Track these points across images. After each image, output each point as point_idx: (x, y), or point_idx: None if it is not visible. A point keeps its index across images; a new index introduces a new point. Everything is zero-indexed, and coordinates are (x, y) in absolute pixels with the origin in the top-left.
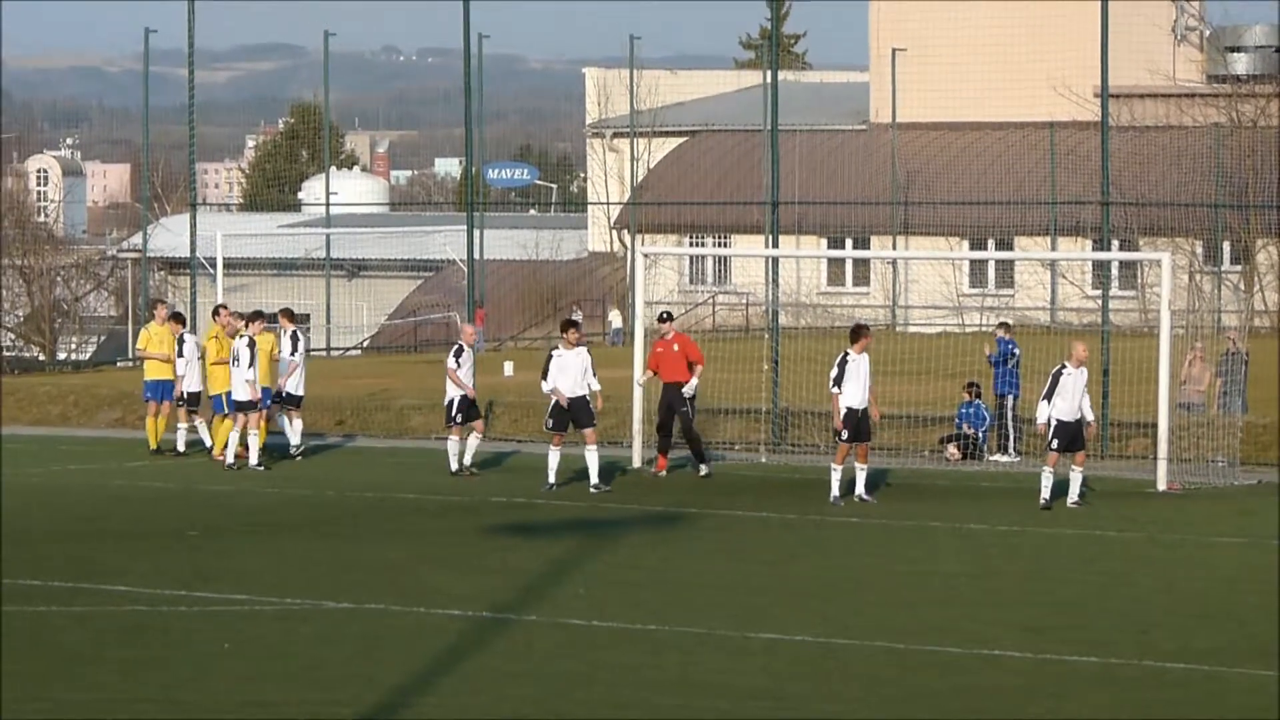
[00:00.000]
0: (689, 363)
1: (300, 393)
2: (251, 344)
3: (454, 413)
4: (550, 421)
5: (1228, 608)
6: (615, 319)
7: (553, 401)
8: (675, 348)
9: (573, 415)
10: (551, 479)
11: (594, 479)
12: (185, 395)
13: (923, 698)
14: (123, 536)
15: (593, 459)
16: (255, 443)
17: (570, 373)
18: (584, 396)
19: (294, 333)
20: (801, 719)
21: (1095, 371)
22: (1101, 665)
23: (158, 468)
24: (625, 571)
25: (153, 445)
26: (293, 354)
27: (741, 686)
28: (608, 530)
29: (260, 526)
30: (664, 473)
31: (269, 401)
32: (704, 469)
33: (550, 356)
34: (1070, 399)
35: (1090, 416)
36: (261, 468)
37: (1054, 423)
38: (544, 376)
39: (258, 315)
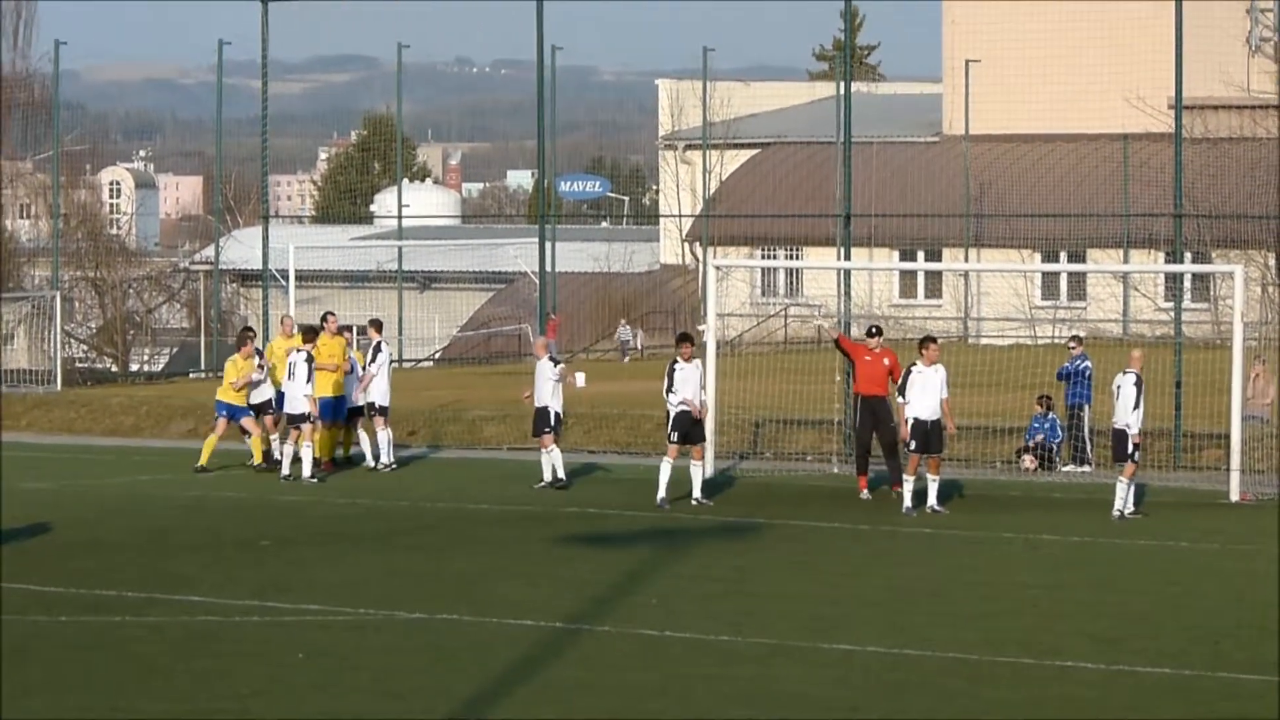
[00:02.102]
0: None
1: (386, 403)
2: (309, 359)
3: (553, 423)
4: (675, 434)
5: None
6: (624, 332)
7: (674, 414)
8: (885, 362)
9: (689, 428)
10: (663, 493)
11: (697, 492)
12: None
13: (995, 709)
14: (196, 547)
15: (697, 473)
16: (308, 455)
17: (691, 386)
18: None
19: (378, 344)
20: None
21: (1168, 383)
22: (1174, 677)
23: (230, 478)
24: (698, 582)
25: (202, 461)
26: (372, 363)
27: (815, 697)
28: (680, 541)
29: (333, 537)
30: (866, 493)
31: (340, 415)
32: (899, 492)
33: (673, 369)
34: (1118, 404)
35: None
36: (315, 480)
37: (1135, 433)
38: (669, 389)
39: (313, 331)
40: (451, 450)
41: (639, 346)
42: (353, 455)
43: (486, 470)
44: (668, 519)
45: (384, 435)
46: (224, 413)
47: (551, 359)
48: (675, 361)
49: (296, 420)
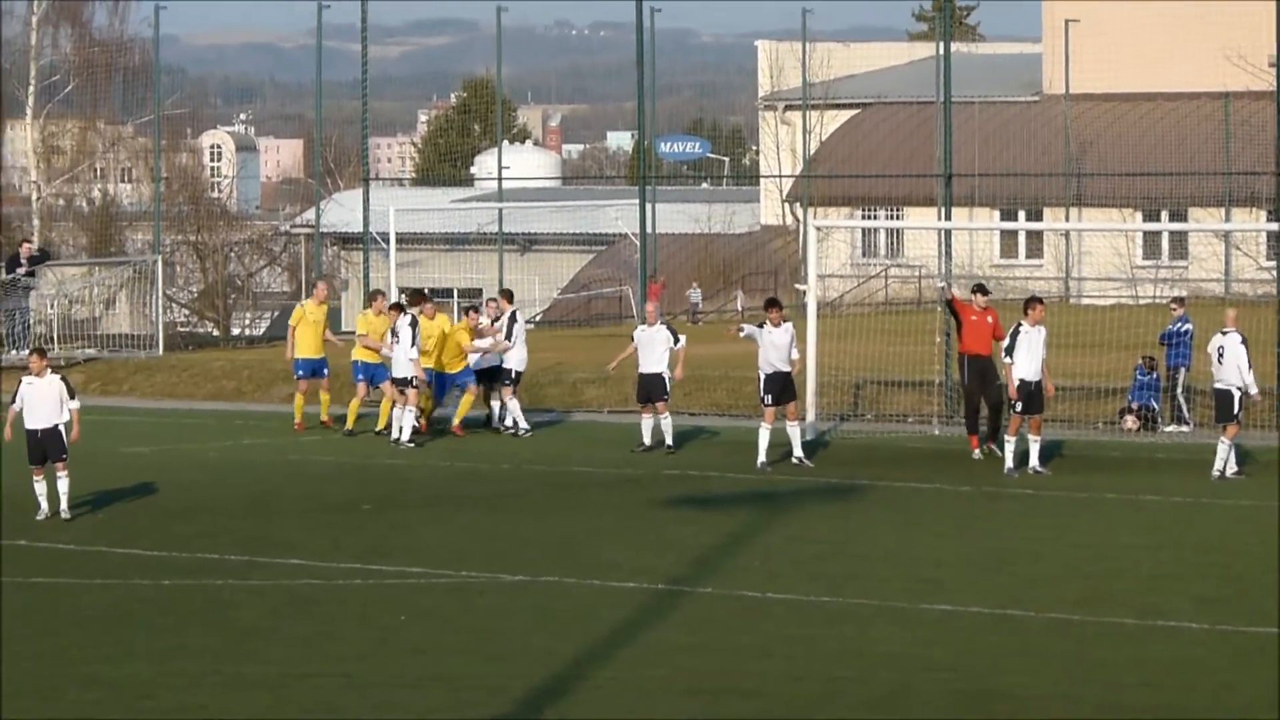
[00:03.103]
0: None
1: (523, 369)
2: (414, 322)
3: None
4: (768, 397)
5: None
6: (694, 294)
7: (763, 376)
8: (989, 320)
9: (779, 390)
10: (763, 456)
11: (797, 452)
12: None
13: (1097, 669)
14: (297, 511)
15: (795, 433)
16: (410, 419)
17: (780, 349)
18: (788, 373)
19: (513, 313)
20: (977, 691)
21: (1270, 342)
22: (1277, 636)
23: (332, 442)
24: (800, 544)
25: (350, 425)
26: (508, 336)
27: (916, 658)
28: (781, 503)
29: (435, 500)
30: (978, 452)
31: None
32: (998, 451)
33: (763, 327)
34: (1221, 365)
35: (1253, 389)
36: (413, 444)
37: (1239, 393)
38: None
39: (420, 295)
40: (553, 413)
41: (741, 307)
42: (434, 418)
43: (587, 433)
44: (768, 481)
45: (514, 403)
46: (362, 375)
47: (666, 326)
48: (763, 325)
49: (401, 384)
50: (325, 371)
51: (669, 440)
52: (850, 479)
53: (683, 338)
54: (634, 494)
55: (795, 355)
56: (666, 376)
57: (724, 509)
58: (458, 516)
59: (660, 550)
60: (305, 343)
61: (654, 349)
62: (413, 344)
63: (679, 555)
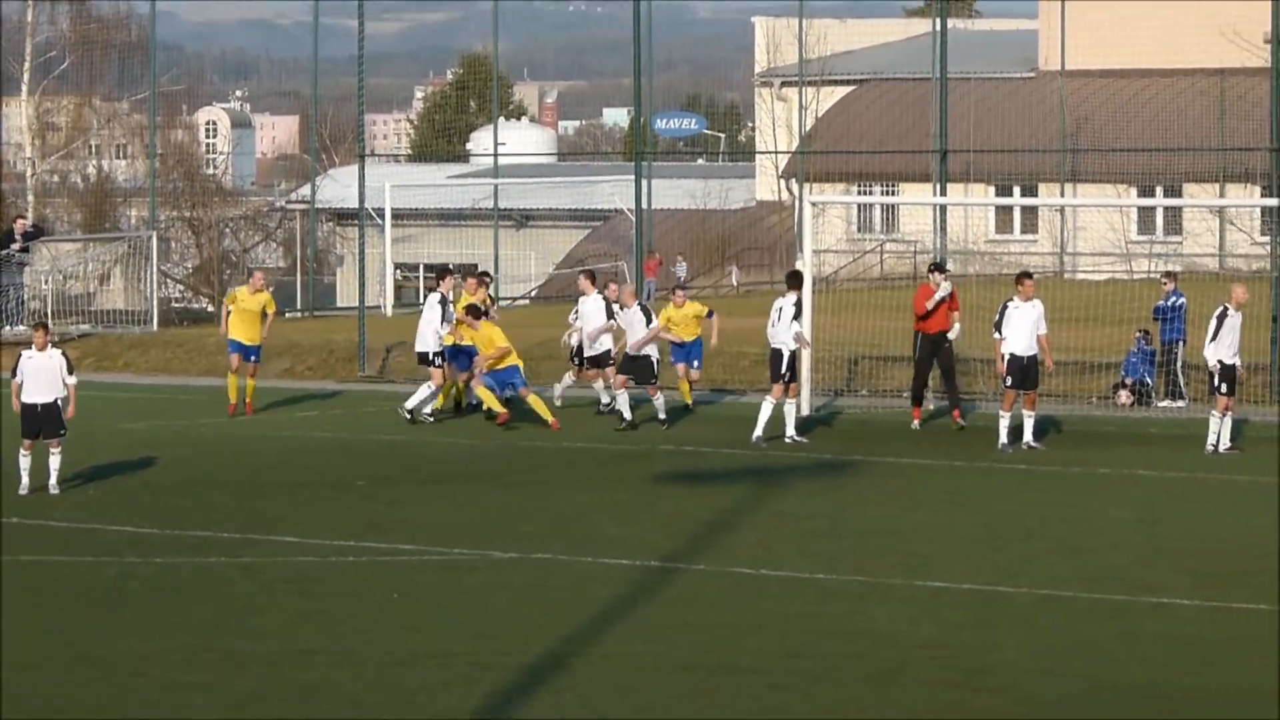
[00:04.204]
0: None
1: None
2: (443, 300)
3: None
4: (773, 372)
5: None
6: (680, 268)
7: (785, 353)
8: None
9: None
10: (760, 431)
11: (790, 430)
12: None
13: (1090, 645)
14: (292, 487)
15: (791, 410)
16: (428, 394)
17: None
18: (795, 351)
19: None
20: (969, 667)
21: (1264, 317)
22: (1271, 613)
23: (328, 418)
24: (794, 520)
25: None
26: (610, 318)
27: (910, 634)
28: (776, 478)
29: (429, 477)
30: (917, 423)
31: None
32: (962, 421)
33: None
34: (1232, 342)
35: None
36: (431, 419)
37: (1219, 366)
38: (795, 319)
39: (447, 271)
40: (548, 388)
41: (735, 282)
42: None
43: (583, 408)
44: (762, 457)
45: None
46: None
47: (640, 306)
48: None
49: (426, 360)
50: (253, 357)
51: (662, 414)
52: (845, 455)
53: (655, 319)
54: (628, 470)
55: (799, 329)
56: (655, 359)
57: (719, 485)
58: (451, 493)
59: (654, 526)
60: (237, 328)
61: (634, 331)
62: (443, 321)
63: (673, 531)
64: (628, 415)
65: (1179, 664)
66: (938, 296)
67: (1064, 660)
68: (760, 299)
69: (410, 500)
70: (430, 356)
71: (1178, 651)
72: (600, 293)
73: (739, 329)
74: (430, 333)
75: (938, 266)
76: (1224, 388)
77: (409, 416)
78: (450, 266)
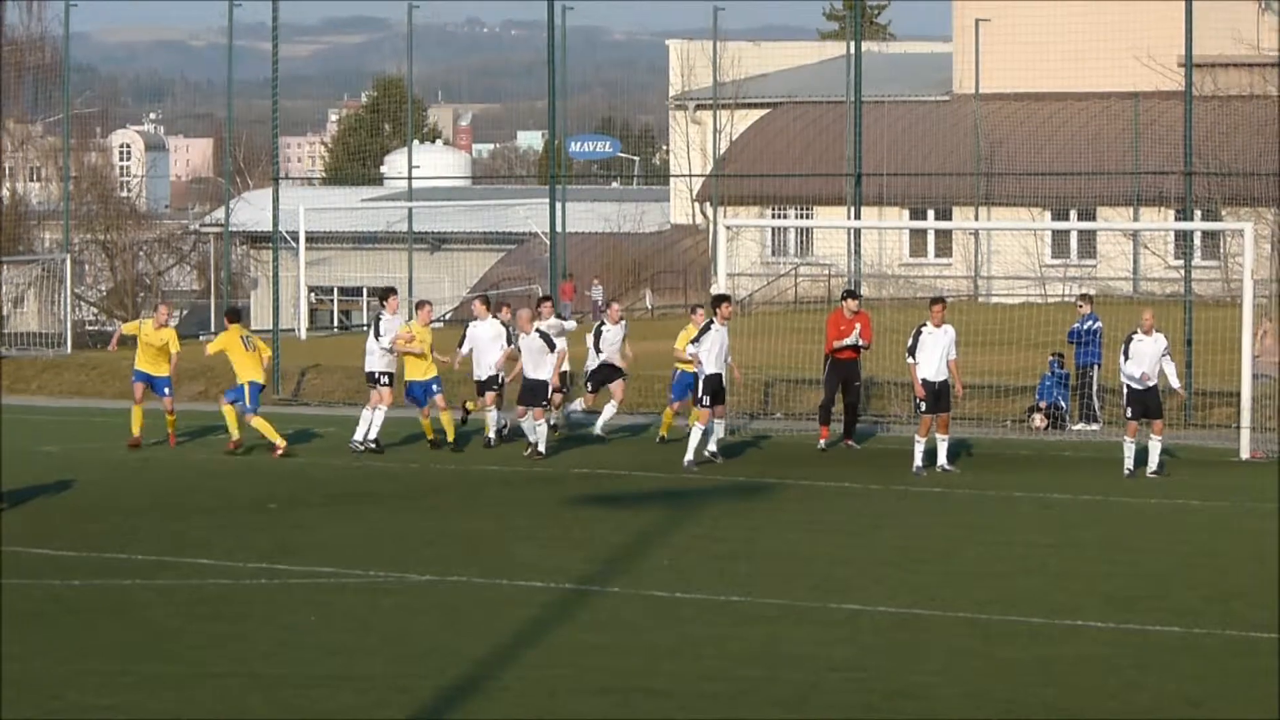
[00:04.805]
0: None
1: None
2: (377, 319)
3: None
4: (705, 399)
5: None
6: (596, 291)
7: (703, 377)
8: (856, 327)
9: (713, 390)
10: (691, 456)
11: (712, 446)
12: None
13: (1005, 669)
14: (206, 510)
15: (719, 430)
16: (379, 419)
17: (718, 348)
18: (720, 373)
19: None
20: (884, 691)
21: (1178, 341)
22: (1184, 635)
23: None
24: (709, 543)
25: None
26: (510, 343)
27: (825, 657)
28: (691, 501)
29: (343, 499)
30: (824, 443)
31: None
32: (854, 445)
33: (708, 329)
34: (1143, 366)
35: (1175, 384)
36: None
37: (1127, 391)
38: (695, 341)
39: (391, 292)
40: (459, 411)
41: (650, 306)
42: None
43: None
44: (677, 480)
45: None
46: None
47: (559, 315)
48: (710, 324)
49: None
50: (166, 390)
51: (541, 447)
52: (760, 478)
53: (560, 342)
54: (543, 493)
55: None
56: (549, 382)
57: (633, 508)
58: (366, 516)
59: (569, 549)
60: (143, 359)
61: (536, 355)
62: (377, 337)
63: (588, 554)
64: (533, 440)
65: (1095, 687)
66: (847, 342)
67: (981, 683)
68: (675, 322)
69: (325, 523)
70: (376, 375)
71: (1093, 674)
72: (495, 316)
73: (654, 352)
74: (378, 353)
75: (850, 293)
76: (1130, 412)
77: (370, 447)
78: (394, 288)
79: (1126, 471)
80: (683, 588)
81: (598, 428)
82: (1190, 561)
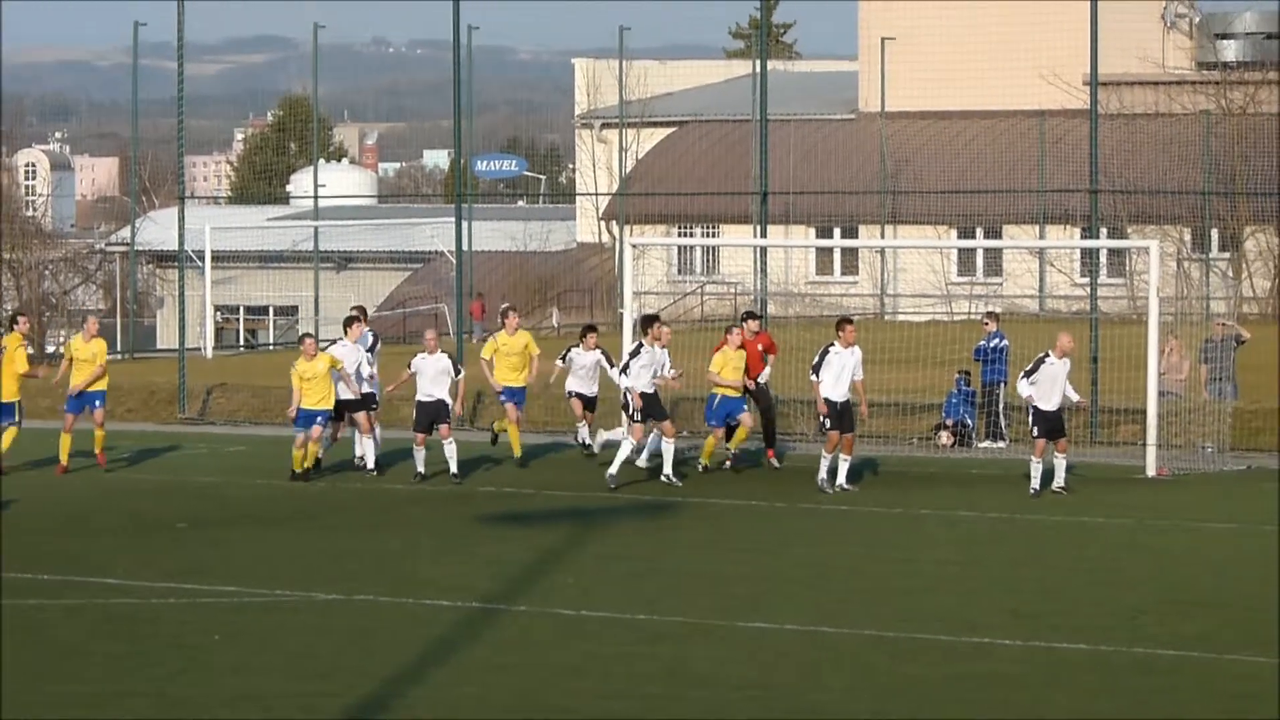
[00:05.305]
0: (764, 355)
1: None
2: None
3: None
4: (637, 415)
5: (1218, 594)
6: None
7: (636, 394)
8: (759, 346)
9: (650, 409)
10: (614, 470)
11: (668, 468)
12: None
13: (912, 686)
14: (112, 529)
15: (669, 449)
16: (369, 446)
17: (651, 369)
18: (656, 392)
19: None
20: (790, 709)
21: (1084, 359)
22: (1091, 652)
23: (148, 460)
24: (616, 561)
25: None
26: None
27: (731, 676)
28: (598, 520)
29: (250, 518)
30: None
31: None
32: (775, 463)
33: (638, 351)
34: (1052, 389)
35: (1075, 397)
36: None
37: (1033, 411)
38: (624, 372)
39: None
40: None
41: (556, 324)
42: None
43: (402, 451)
44: (583, 499)
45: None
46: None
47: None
48: (639, 345)
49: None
50: (97, 402)
51: (454, 468)
52: (667, 496)
53: (463, 369)
54: (449, 512)
55: (670, 373)
56: (449, 403)
57: (539, 526)
58: (272, 535)
59: (475, 568)
60: (78, 378)
61: (435, 376)
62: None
63: (494, 573)
64: (419, 467)
65: (1002, 703)
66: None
67: (888, 701)
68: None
69: (231, 542)
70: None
71: (1000, 691)
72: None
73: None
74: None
75: (751, 314)
76: (1035, 430)
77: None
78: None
79: (1032, 491)
80: (588, 606)
81: (597, 445)
82: (1096, 578)
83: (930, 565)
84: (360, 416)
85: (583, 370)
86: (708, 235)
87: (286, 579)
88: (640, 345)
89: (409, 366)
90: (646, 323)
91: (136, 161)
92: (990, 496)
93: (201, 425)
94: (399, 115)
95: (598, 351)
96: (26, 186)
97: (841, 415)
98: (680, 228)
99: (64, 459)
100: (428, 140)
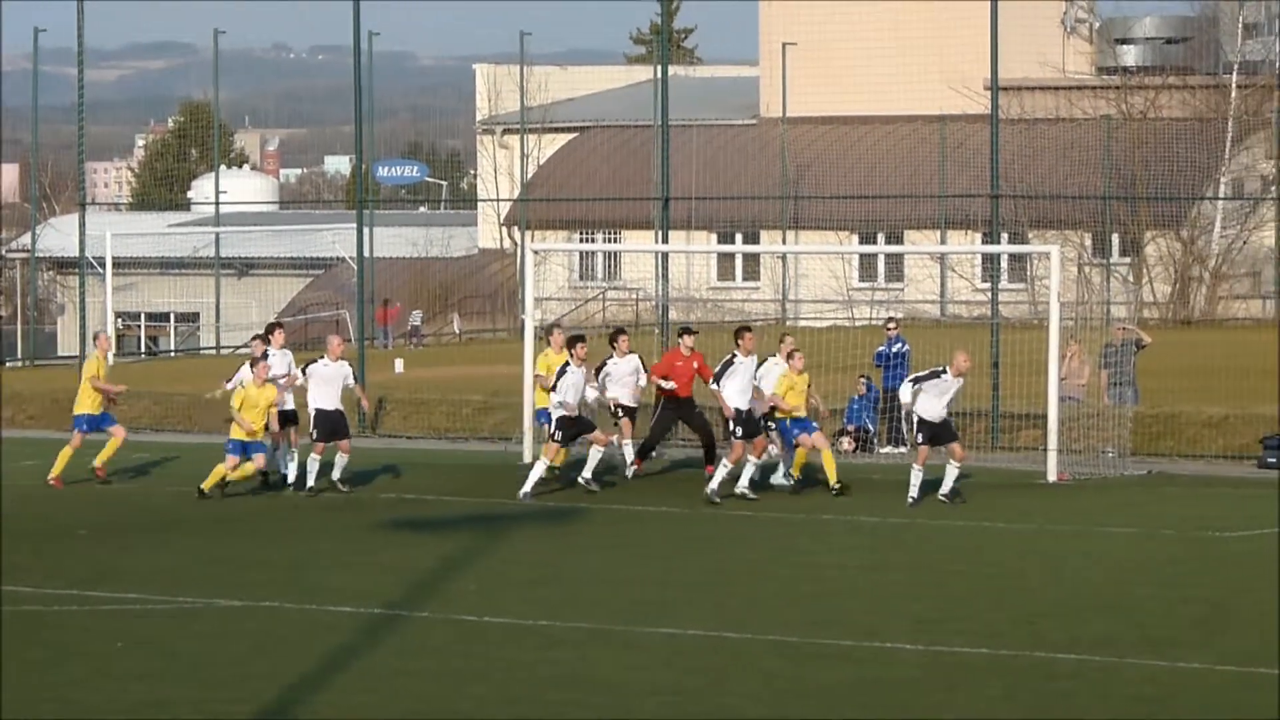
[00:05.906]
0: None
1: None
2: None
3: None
4: (559, 434)
5: (1117, 598)
6: (415, 317)
7: (558, 416)
8: (694, 363)
9: (581, 425)
10: (528, 487)
11: (588, 473)
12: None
13: (816, 691)
14: (14, 535)
15: (595, 457)
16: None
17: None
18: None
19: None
20: (695, 714)
21: (985, 364)
22: (992, 657)
23: (49, 466)
24: (518, 567)
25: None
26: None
27: (635, 682)
28: (500, 526)
29: (153, 525)
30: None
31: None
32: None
33: (564, 370)
34: (939, 402)
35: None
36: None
37: (918, 419)
38: (553, 389)
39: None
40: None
41: (458, 330)
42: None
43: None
44: (485, 505)
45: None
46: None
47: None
48: (609, 359)
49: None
50: (105, 425)
51: (337, 474)
52: (571, 502)
53: (364, 380)
54: (351, 518)
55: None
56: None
57: (441, 532)
58: (175, 542)
59: (378, 574)
60: (86, 399)
61: (334, 385)
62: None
63: (396, 579)
64: (310, 480)
65: (903, 708)
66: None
67: (792, 705)
68: (481, 347)
69: (134, 548)
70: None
71: (903, 696)
72: (283, 347)
73: (461, 376)
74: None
75: (686, 330)
76: (920, 437)
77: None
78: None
79: (910, 500)
80: (490, 611)
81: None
82: (997, 583)
83: (833, 570)
84: (290, 430)
85: (624, 379)
86: (609, 241)
87: (190, 586)
88: (567, 365)
89: (304, 373)
90: (572, 342)
91: (36, 168)
92: (892, 501)
93: (101, 433)
94: (300, 121)
95: (634, 356)
96: None
97: (747, 422)
98: (582, 233)
99: (58, 471)
100: (329, 146)
